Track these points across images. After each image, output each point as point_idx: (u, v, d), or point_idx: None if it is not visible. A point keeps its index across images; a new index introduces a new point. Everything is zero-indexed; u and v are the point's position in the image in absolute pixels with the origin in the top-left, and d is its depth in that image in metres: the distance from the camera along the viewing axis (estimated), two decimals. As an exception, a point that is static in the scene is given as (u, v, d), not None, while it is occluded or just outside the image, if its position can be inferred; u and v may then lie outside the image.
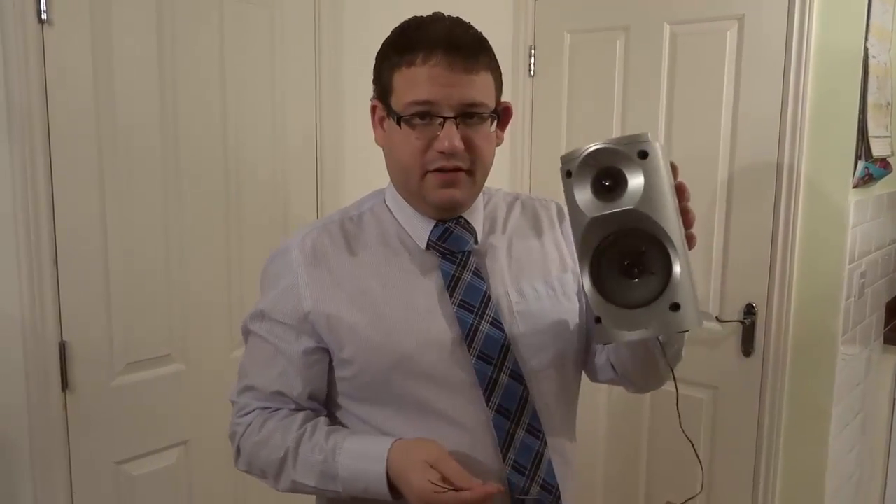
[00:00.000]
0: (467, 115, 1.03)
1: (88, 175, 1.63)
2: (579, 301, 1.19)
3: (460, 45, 1.02)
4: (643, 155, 0.86)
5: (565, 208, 1.21)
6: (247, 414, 1.16)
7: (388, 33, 1.09)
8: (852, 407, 2.43)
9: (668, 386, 2.49)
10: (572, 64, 2.60)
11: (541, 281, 1.16)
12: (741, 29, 2.23)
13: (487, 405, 1.06)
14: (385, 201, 1.17)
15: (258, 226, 1.96)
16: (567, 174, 0.90)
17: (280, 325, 1.12)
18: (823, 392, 2.23)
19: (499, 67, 1.10)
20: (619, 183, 0.87)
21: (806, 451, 2.26)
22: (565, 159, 0.91)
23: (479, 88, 1.04)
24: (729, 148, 2.28)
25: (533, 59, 2.67)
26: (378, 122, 1.12)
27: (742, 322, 2.29)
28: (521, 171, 2.70)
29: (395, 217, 1.14)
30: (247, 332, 1.19)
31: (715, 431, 2.39)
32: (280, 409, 1.14)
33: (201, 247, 1.85)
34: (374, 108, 1.13)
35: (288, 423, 1.11)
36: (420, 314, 1.08)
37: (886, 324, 2.70)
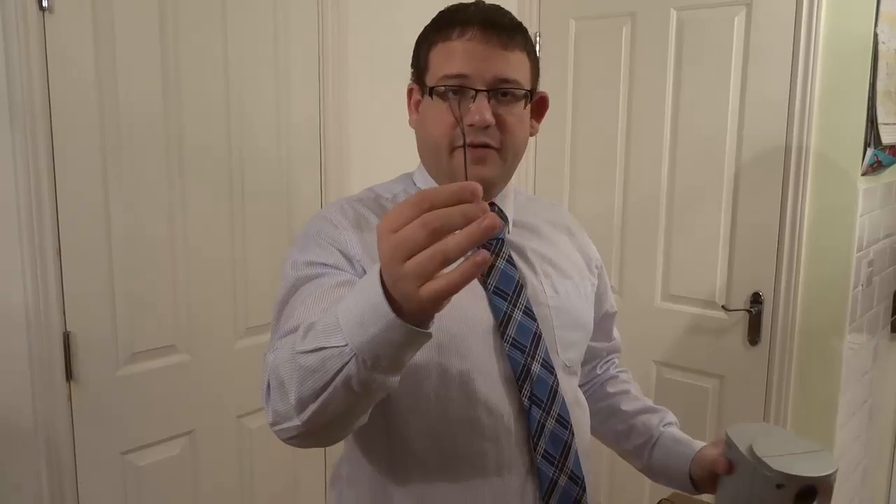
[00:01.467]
0: (500, 91, 1.02)
1: (91, 164, 1.62)
2: (592, 310, 1.22)
3: (497, 22, 1.02)
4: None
5: (576, 223, 1.30)
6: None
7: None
8: (859, 396, 2.42)
9: (672, 374, 2.49)
10: (578, 51, 2.58)
11: (570, 282, 1.16)
12: (749, 14, 2.20)
13: (520, 394, 1.05)
14: (416, 184, 1.16)
15: (262, 215, 1.95)
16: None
17: (333, 269, 1.00)
18: (830, 381, 2.22)
19: (535, 54, 1.09)
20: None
21: (812, 439, 2.25)
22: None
23: (513, 66, 1.03)
24: (736, 135, 2.26)
25: (538, 45, 2.65)
26: (413, 106, 1.12)
27: (749, 311, 2.28)
28: (526, 159, 2.68)
29: None
30: (281, 303, 0.99)
31: (721, 420, 2.39)
32: None
33: (205, 236, 1.84)
34: (410, 91, 1.12)
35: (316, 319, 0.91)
36: (461, 302, 0.97)
37: (894, 312, 2.69)
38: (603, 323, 1.32)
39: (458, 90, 1.02)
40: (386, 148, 2.10)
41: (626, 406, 1.30)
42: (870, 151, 2.13)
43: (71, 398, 1.63)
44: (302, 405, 0.79)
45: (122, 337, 1.71)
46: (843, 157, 2.12)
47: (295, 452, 1.94)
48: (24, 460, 1.57)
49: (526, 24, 2.79)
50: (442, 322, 0.99)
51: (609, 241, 2.52)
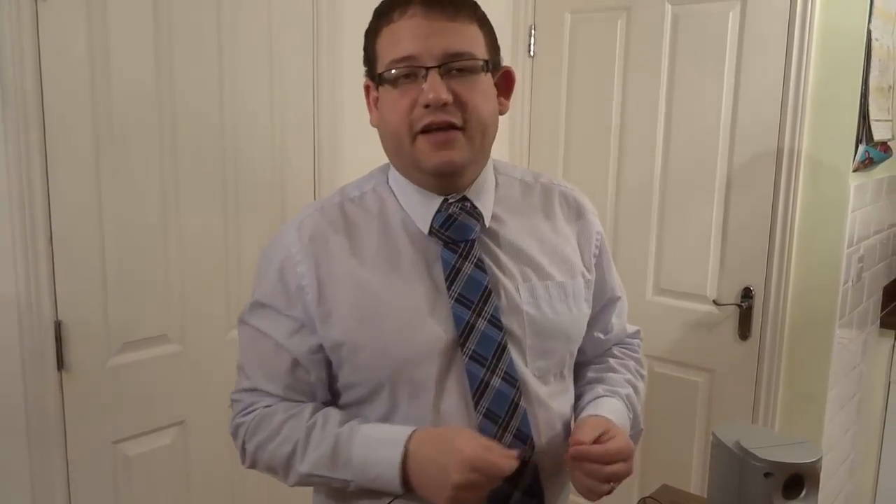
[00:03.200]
0: (453, 67, 0.97)
1: (84, 153, 1.62)
2: (588, 307, 1.15)
3: None
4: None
5: (584, 201, 1.20)
6: (252, 411, 1.10)
7: (372, 15, 1.06)
8: (848, 390, 2.44)
9: (663, 368, 2.50)
10: (573, 44, 2.58)
11: (553, 282, 1.09)
12: (743, 10, 2.21)
13: (475, 409, 1.01)
14: (388, 181, 1.11)
15: (255, 206, 1.95)
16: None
17: (282, 317, 1.06)
18: (819, 376, 2.23)
19: (489, 23, 1.03)
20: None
21: (801, 433, 2.26)
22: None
23: (463, 37, 0.98)
24: (729, 129, 2.27)
25: (533, 39, 2.64)
26: (373, 103, 1.07)
27: (739, 305, 2.29)
28: (519, 151, 2.69)
29: (397, 199, 1.08)
30: (242, 325, 1.12)
31: (711, 414, 2.40)
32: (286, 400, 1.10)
33: (198, 226, 1.84)
34: (367, 89, 1.08)
35: (296, 414, 1.06)
36: (420, 315, 1.02)
37: (883, 308, 2.71)
38: (601, 312, 1.23)
39: (409, 72, 0.97)
40: (379, 143, 2.09)
41: (587, 373, 1.22)
42: (861, 147, 2.14)
43: (62, 388, 1.63)
44: (295, 485, 1.07)
45: (114, 326, 1.70)
46: (834, 152, 2.13)
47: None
48: (15, 450, 1.56)
49: (521, 17, 2.79)
50: (395, 346, 1.01)
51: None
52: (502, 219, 1.11)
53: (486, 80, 1.02)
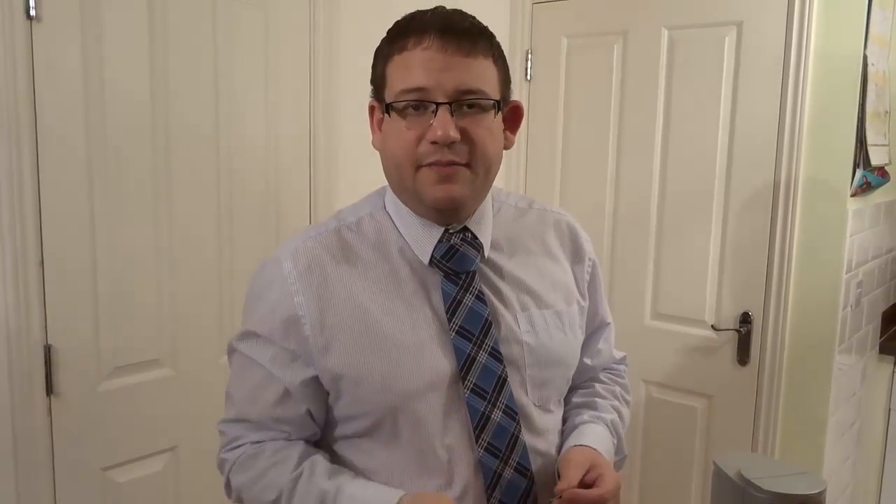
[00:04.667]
0: (464, 103, 0.95)
1: (76, 175, 1.60)
2: (582, 333, 1.16)
3: (455, 27, 0.95)
4: None
5: (577, 227, 1.20)
6: (237, 447, 1.08)
7: (384, 29, 1.04)
8: (848, 417, 2.42)
9: (661, 393, 2.48)
10: (569, 68, 2.58)
11: (551, 311, 1.09)
12: (739, 35, 2.22)
13: (477, 443, 1.00)
14: (385, 206, 1.08)
15: (249, 228, 1.94)
16: None
17: (276, 347, 1.03)
18: (819, 402, 2.21)
19: (504, 59, 1.02)
20: None
21: (801, 461, 2.24)
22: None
23: (477, 74, 0.96)
24: (726, 155, 2.27)
25: (530, 63, 2.65)
26: (376, 125, 1.04)
27: (738, 331, 2.27)
28: (516, 176, 2.68)
29: (395, 225, 1.06)
30: (233, 353, 1.09)
31: (709, 441, 2.37)
32: (274, 440, 1.07)
33: (191, 249, 1.82)
34: (371, 110, 1.05)
35: (282, 459, 1.03)
36: (422, 347, 1.01)
37: (882, 333, 2.69)
38: (590, 338, 1.23)
39: (418, 105, 0.95)
40: (376, 159, 2.09)
41: (573, 398, 1.21)
42: (859, 172, 2.13)
43: (51, 413, 1.60)
44: None
45: (105, 350, 1.68)
46: (832, 177, 2.13)
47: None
48: (2, 476, 1.53)
49: (518, 41, 2.80)
50: (396, 378, 0.99)
51: (598, 260, 2.51)
52: (500, 247, 1.10)
53: (496, 119, 1.01)
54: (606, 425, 1.15)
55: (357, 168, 2.08)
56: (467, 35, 0.95)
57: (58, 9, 1.54)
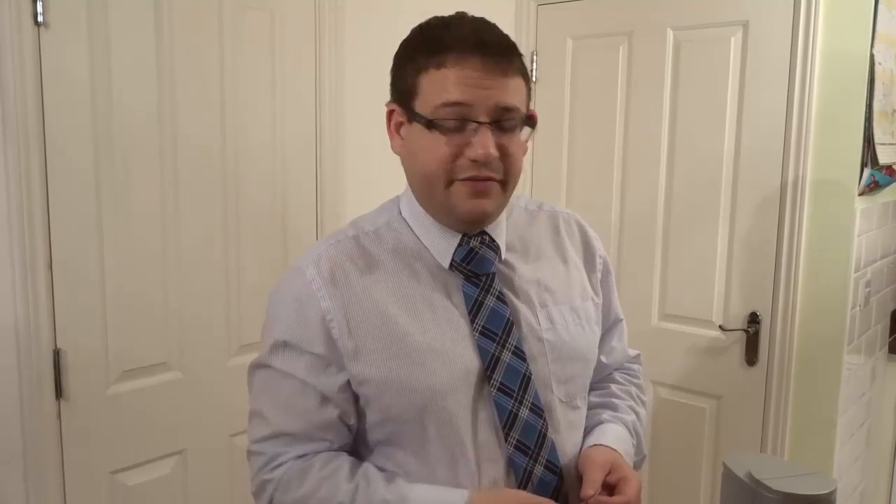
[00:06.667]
0: (502, 120, 0.97)
1: (84, 180, 1.61)
2: (599, 329, 1.17)
3: (493, 46, 0.96)
4: None
5: (586, 225, 1.21)
6: (279, 465, 1.04)
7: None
8: (857, 417, 2.41)
9: (670, 394, 2.47)
10: (575, 70, 2.58)
11: (567, 306, 1.11)
12: (745, 35, 2.21)
13: (506, 441, 1.02)
14: (401, 213, 1.09)
15: (256, 232, 1.94)
16: None
17: (308, 354, 1.01)
18: (828, 402, 2.20)
19: (528, 73, 1.04)
20: None
21: (811, 461, 2.23)
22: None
23: (512, 92, 0.97)
24: (733, 155, 2.26)
25: (535, 64, 2.65)
26: (394, 129, 1.04)
27: (746, 331, 2.27)
28: (522, 177, 2.67)
29: (413, 232, 1.07)
30: (258, 370, 1.07)
31: (718, 442, 2.37)
32: (318, 452, 1.05)
33: (198, 253, 1.83)
34: (390, 114, 1.04)
35: (333, 472, 1.02)
36: (447, 349, 1.01)
37: (891, 333, 2.68)
38: (604, 336, 1.24)
39: (460, 120, 0.96)
40: (382, 165, 2.09)
41: (590, 398, 1.21)
42: (867, 171, 2.13)
43: (60, 416, 1.61)
44: None
45: (113, 354, 1.69)
46: (840, 176, 2.12)
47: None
48: (11, 480, 1.54)
49: (523, 42, 2.81)
50: (423, 378, 1.00)
51: (606, 260, 2.51)
52: (515, 248, 1.12)
53: (523, 132, 1.03)
54: (626, 426, 1.16)
55: (363, 172, 2.08)
56: (504, 53, 0.97)
57: (65, 15, 1.55)
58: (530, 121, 1.04)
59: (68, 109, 1.57)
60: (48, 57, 1.53)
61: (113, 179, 1.65)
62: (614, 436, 1.12)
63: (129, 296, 1.70)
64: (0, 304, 1.50)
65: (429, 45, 0.98)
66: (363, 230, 1.08)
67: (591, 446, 1.09)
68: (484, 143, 0.95)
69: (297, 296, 1.03)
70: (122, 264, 1.68)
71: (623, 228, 2.50)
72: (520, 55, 1.01)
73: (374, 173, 2.08)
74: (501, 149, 0.97)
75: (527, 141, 1.07)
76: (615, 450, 1.08)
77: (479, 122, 0.95)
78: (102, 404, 1.68)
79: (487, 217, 1.03)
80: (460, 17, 1.00)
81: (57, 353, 1.59)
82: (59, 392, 1.60)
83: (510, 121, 0.98)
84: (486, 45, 0.96)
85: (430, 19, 1.01)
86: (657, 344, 2.42)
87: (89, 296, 1.64)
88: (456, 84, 0.95)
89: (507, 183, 1.01)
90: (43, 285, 1.55)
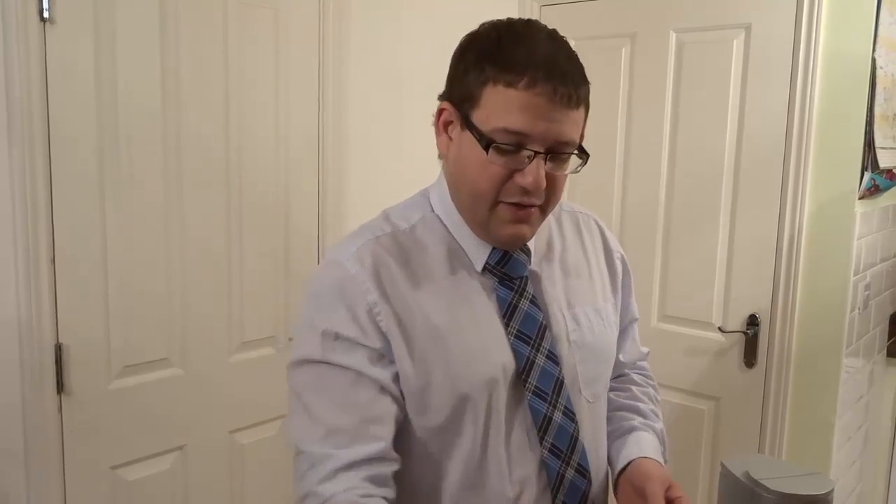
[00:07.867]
0: (556, 152, 0.96)
1: (88, 175, 1.62)
2: (617, 328, 1.18)
3: (566, 75, 0.93)
4: None
5: (602, 224, 1.23)
6: (327, 479, 0.94)
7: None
8: (855, 420, 2.41)
9: (669, 395, 2.47)
10: (577, 71, 2.58)
11: (591, 307, 1.12)
12: (748, 38, 2.22)
13: (541, 445, 1.02)
14: (433, 210, 1.08)
15: (259, 229, 1.95)
16: None
17: (361, 346, 0.97)
18: (826, 405, 2.21)
19: (589, 101, 1.01)
20: None
21: (808, 463, 2.23)
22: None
23: (574, 125, 0.96)
24: (734, 157, 2.27)
25: (537, 65, 2.65)
26: (442, 127, 1.02)
27: (745, 333, 2.27)
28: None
29: (448, 231, 1.06)
30: (305, 364, 1.00)
31: (716, 443, 2.37)
32: (370, 459, 0.95)
33: (201, 249, 1.83)
34: (441, 111, 1.02)
35: None
36: (484, 349, 1.01)
37: (890, 336, 2.68)
38: (622, 334, 1.24)
39: (517, 145, 0.94)
40: (384, 161, 2.09)
41: (611, 398, 1.23)
42: (867, 175, 2.13)
43: (61, 411, 1.61)
44: None
45: (115, 349, 1.69)
46: (840, 180, 2.12)
47: (287, 470, 1.92)
48: (12, 474, 1.54)
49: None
50: (461, 378, 0.99)
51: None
52: (543, 250, 1.12)
53: (571, 162, 1.02)
54: (656, 434, 1.19)
55: (365, 169, 2.09)
56: (575, 85, 0.94)
57: (71, 11, 1.55)
58: (581, 154, 1.02)
59: (73, 105, 1.58)
60: (53, 53, 1.53)
61: (116, 175, 1.66)
62: (651, 447, 1.14)
63: (131, 291, 1.71)
64: (2, 298, 1.51)
65: (502, 58, 0.94)
66: (398, 227, 1.06)
67: (640, 458, 1.10)
68: (536, 173, 0.94)
69: (341, 288, 0.99)
70: (124, 260, 1.69)
71: (623, 229, 2.50)
72: (587, 83, 0.98)
73: (376, 171, 2.09)
74: (549, 178, 0.96)
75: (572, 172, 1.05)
76: (661, 464, 1.11)
77: (535, 152, 0.94)
78: (103, 399, 1.68)
79: (523, 241, 1.03)
80: (536, 31, 0.97)
81: (59, 348, 1.60)
82: (60, 387, 1.60)
83: (564, 153, 0.97)
84: (562, 75, 0.93)
85: (500, 24, 0.98)
86: (656, 345, 2.41)
87: (91, 291, 1.64)
88: (522, 111, 0.92)
89: (546, 209, 1.01)
90: (45, 280, 1.55)
